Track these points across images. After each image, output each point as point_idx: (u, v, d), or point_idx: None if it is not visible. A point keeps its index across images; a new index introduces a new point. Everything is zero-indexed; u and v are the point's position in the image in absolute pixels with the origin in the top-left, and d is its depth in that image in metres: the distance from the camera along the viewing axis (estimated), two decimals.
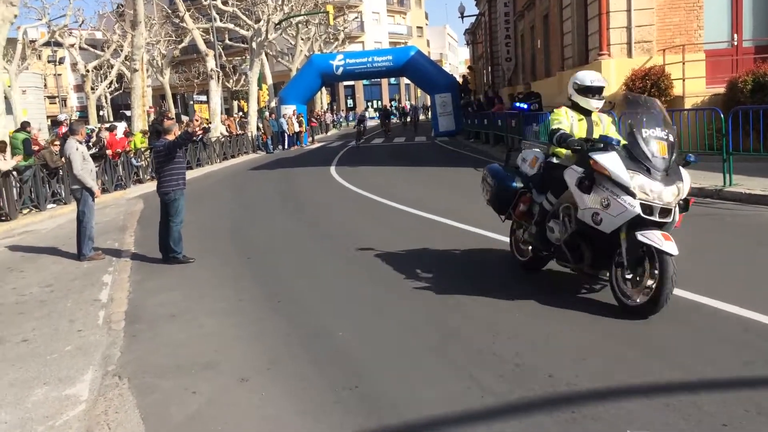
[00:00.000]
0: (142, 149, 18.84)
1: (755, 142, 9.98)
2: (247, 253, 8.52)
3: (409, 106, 49.53)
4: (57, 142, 15.64)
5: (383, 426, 3.69)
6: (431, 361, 4.51)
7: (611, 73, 14.50)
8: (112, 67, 40.67)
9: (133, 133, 19.17)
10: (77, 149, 8.61)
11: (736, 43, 14.57)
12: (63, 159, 11.83)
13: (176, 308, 6.29)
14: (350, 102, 63.60)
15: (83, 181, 8.64)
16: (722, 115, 9.79)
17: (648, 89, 13.43)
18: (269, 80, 39.40)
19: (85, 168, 8.66)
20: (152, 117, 22.40)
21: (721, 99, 12.85)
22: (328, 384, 4.28)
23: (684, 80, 13.46)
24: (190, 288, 7.03)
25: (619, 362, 4.19)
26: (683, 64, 13.46)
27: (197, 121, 8.28)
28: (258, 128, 30.30)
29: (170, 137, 8.28)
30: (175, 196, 8.23)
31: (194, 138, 8.13)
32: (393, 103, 61.45)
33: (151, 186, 18.03)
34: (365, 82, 58.26)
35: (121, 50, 39.05)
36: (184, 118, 28.33)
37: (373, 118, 50.48)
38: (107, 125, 19.69)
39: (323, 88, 46.45)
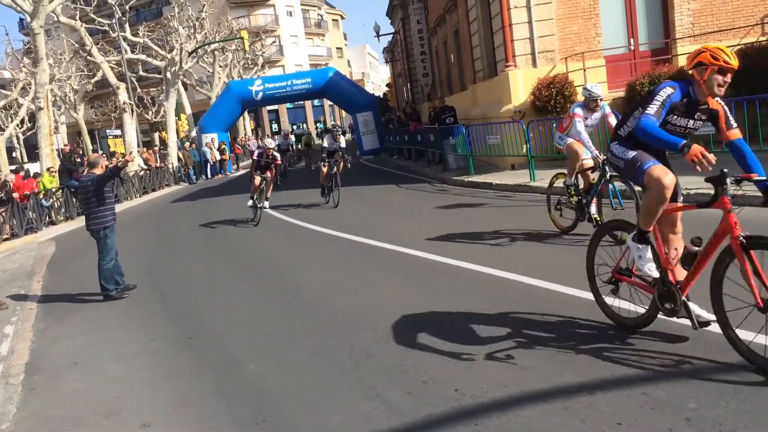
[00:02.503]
0: (53, 189, 18.11)
1: None
2: (161, 290, 8.26)
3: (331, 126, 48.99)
4: None
5: None
6: (341, 385, 4.44)
7: (519, 83, 14.93)
8: (20, 106, 38.95)
9: (41, 174, 18.40)
10: None
11: (632, 48, 15.27)
12: None
13: (80, 355, 6.01)
14: (275, 126, 63.12)
15: None
16: (620, 116, 10.18)
17: (554, 97, 13.89)
18: (188, 110, 38.71)
19: None
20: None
21: (622, 102, 13.40)
22: (234, 420, 4.16)
23: None
24: (97, 332, 6.74)
25: (523, 369, 4.23)
26: (584, 70, 13.99)
27: (131, 153, 8.07)
28: (179, 159, 29.66)
29: (97, 171, 7.98)
30: (105, 233, 7.97)
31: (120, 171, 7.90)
32: (318, 125, 61.41)
33: (64, 227, 17.38)
34: (288, 105, 57.93)
35: (30, 88, 37.51)
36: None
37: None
38: (12, 167, 18.77)
39: (246, 114, 45.88)
